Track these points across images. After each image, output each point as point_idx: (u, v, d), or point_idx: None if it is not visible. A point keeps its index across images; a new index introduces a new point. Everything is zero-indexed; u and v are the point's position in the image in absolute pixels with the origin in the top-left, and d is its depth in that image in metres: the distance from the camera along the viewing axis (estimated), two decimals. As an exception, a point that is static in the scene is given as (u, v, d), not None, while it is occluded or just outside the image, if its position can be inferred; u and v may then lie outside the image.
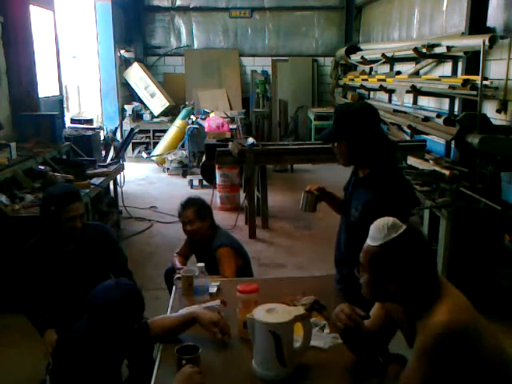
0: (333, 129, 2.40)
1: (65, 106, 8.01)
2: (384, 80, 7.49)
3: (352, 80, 9.60)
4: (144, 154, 9.97)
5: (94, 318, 1.99)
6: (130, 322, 1.98)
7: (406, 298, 1.72)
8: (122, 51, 10.52)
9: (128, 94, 10.98)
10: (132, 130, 7.97)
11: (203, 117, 9.38)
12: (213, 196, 6.52)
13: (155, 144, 10.11)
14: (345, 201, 2.54)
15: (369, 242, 1.71)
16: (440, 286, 1.70)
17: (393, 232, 1.67)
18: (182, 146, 9.16)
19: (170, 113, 10.65)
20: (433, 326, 1.58)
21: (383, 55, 7.55)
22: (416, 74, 6.91)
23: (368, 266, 1.72)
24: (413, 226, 1.73)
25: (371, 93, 9.68)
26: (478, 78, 4.73)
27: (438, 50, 5.90)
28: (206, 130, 8.49)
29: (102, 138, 7.42)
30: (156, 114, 10.66)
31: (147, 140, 10.58)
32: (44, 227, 2.73)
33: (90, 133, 6.66)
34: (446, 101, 6.29)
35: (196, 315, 2.12)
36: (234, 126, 9.06)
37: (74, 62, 9.22)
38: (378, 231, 1.69)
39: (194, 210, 3.19)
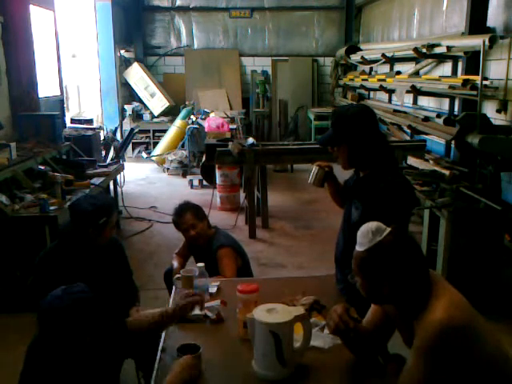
0: (332, 133, 2.40)
1: (65, 105, 8.00)
2: (384, 80, 7.49)
3: (352, 80, 9.61)
4: (144, 154, 9.97)
5: (41, 326, 1.91)
6: (78, 332, 1.86)
7: (400, 299, 1.73)
8: (122, 51, 10.51)
9: (128, 94, 10.98)
10: (132, 130, 7.96)
11: (203, 117, 9.38)
12: (213, 196, 6.52)
13: (155, 144, 10.11)
14: (344, 192, 2.54)
15: (357, 247, 1.74)
16: (432, 284, 1.71)
17: (377, 236, 1.69)
18: (182, 145, 9.16)
19: (170, 113, 10.65)
20: (430, 325, 1.59)
21: (383, 55, 7.55)
22: (416, 74, 6.91)
23: (358, 271, 1.74)
24: (398, 228, 1.74)
25: (371, 93, 9.68)
26: (477, 78, 4.72)
27: (438, 50, 5.90)
28: (206, 129, 8.48)
29: (102, 138, 7.42)
30: (156, 114, 10.66)
31: (147, 140, 10.59)
32: (74, 237, 2.72)
33: (90, 133, 6.65)
34: (446, 101, 6.29)
35: (170, 309, 2.12)
36: (234, 126, 9.06)
37: (74, 62, 9.22)
38: (364, 237, 1.71)
39: (192, 213, 3.19)
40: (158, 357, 2.03)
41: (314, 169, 2.53)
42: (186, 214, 3.20)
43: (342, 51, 9.92)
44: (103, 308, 1.95)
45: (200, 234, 3.21)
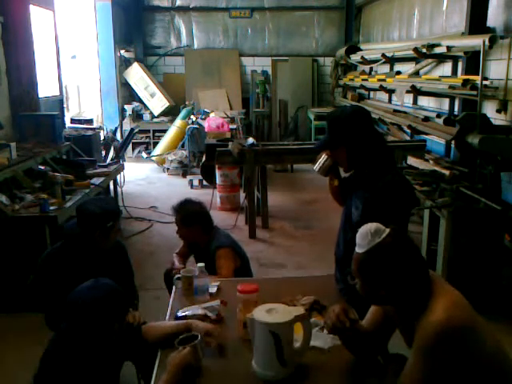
0: (328, 136, 2.40)
1: (65, 106, 8.00)
2: (384, 80, 7.49)
3: (352, 80, 9.60)
4: (144, 154, 9.97)
5: (71, 318, 1.98)
6: (107, 322, 1.96)
7: (399, 301, 1.73)
8: (122, 51, 10.51)
9: (128, 94, 10.98)
10: (132, 130, 7.97)
11: (203, 117, 9.38)
12: (213, 196, 6.52)
13: (155, 144, 10.11)
14: (345, 188, 2.54)
15: (356, 249, 1.74)
16: (432, 283, 1.71)
17: (376, 238, 1.68)
18: (182, 146, 9.16)
19: (170, 113, 10.65)
20: (430, 325, 1.59)
21: (383, 55, 7.55)
22: (416, 74, 6.91)
23: (358, 273, 1.74)
24: (397, 229, 1.73)
25: (371, 93, 9.68)
26: (477, 78, 4.72)
27: (438, 50, 5.90)
28: (206, 129, 8.49)
29: (102, 138, 7.42)
30: (156, 114, 10.66)
31: (147, 140, 10.59)
32: (80, 239, 2.73)
33: (90, 133, 6.65)
34: (446, 101, 6.29)
35: (190, 325, 2.11)
36: (234, 126, 9.06)
37: (74, 62, 9.22)
38: (362, 238, 1.71)
39: (180, 218, 3.22)
40: (157, 356, 2.03)
41: (323, 157, 2.50)
42: (177, 215, 3.26)
43: (342, 51, 9.91)
44: (127, 300, 2.04)
45: (184, 237, 3.28)
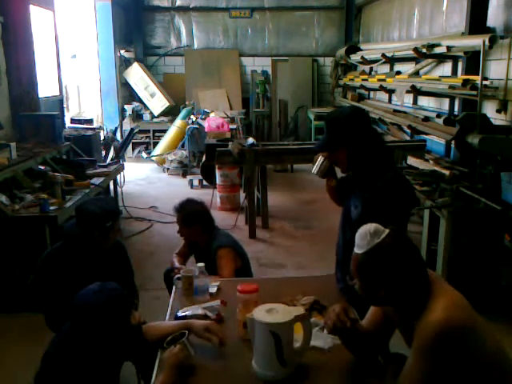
0: (327, 138, 2.40)
1: (65, 106, 8.00)
2: (384, 80, 7.49)
3: (352, 80, 9.60)
4: (144, 154, 9.97)
5: (74, 320, 1.98)
6: (111, 327, 1.96)
7: (399, 301, 1.73)
8: (122, 51, 10.52)
9: (128, 94, 10.98)
10: (132, 130, 7.97)
11: (203, 117, 9.38)
12: (213, 196, 6.52)
13: (155, 144, 10.11)
14: (343, 188, 2.54)
15: (355, 249, 1.73)
16: (431, 284, 1.71)
17: (375, 238, 1.68)
18: (182, 146, 9.17)
19: (170, 113, 10.65)
20: (430, 325, 1.59)
21: (383, 55, 7.55)
22: (416, 74, 6.90)
23: (357, 273, 1.74)
24: (396, 230, 1.73)
25: (371, 93, 9.68)
26: (477, 78, 4.72)
27: (438, 50, 5.90)
28: (206, 129, 8.49)
29: (102, 138, 7.42)
30: (156, 114, 10.66)
31: (147, 140, 10.59)
32: (79, 239, 2.73)
33: (90, 133, 6.65)
34: (446, 101, 6.29)
35: (190, 324, 2.11)
36: (234, 126, 9.06)
37: (74, 62, 9.22)
38: (362, 239, 1.70)
39: (180, 217, 3.25)
40: (157, 357, 2.03)
41: (320, 159, 2.50)
42: (177, 215, 3.28)
43: (342, 51, 9.91)
44: (132, 304, 2.04)
45: (185, 236, 3.30)
